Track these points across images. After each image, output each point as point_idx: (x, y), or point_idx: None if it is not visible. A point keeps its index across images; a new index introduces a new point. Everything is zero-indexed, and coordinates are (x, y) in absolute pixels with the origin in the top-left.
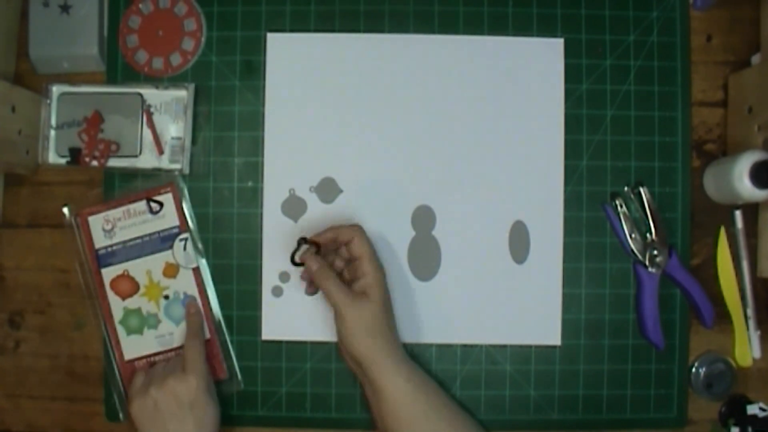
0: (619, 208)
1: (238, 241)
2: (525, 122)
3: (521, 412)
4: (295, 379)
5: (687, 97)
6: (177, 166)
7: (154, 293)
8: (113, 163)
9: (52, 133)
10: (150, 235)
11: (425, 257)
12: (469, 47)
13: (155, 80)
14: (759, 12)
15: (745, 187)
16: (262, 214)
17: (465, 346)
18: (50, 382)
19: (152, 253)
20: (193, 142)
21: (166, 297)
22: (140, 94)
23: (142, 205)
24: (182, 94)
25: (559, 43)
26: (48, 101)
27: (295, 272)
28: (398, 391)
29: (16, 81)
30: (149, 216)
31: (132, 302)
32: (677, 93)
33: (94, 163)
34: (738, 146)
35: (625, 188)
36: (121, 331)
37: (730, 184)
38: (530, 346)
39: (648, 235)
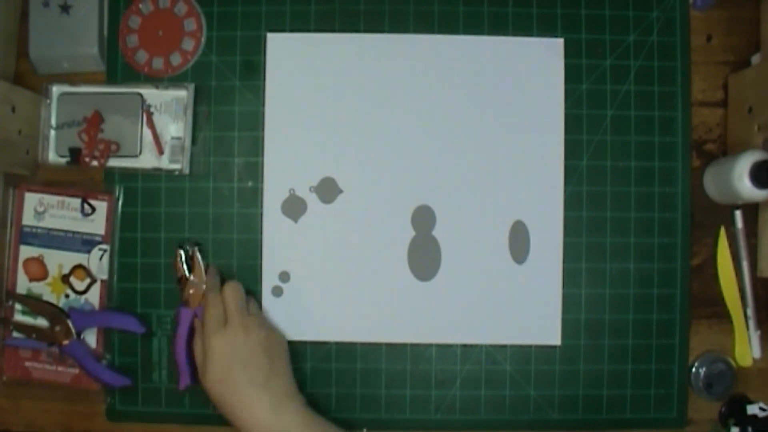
0: None
1: (238, 241)
2: (525, 122)
3: (521, 412)
4: (295, 379)
5: (687, 97)
6: (177, 166)
7: (58, 288)
8: (113, 163)
9: (52, 133)
10: (74, 233)
11: (425, 257)
12: (469, 47)
13: (155, 80)
14: (759, 12)
15: (745, 187)
16: (262, 214)
17: (465, 346)
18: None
19: (69, 250)
20: (193, 142)
21: (67, 296)
22: (140, 94)
23: (77, 202)
24: (182, 94)
25: (559, 43)
26: (48, 101)
27: (296, 272)
28: None
29: (16, 81)
30: (79, 215)
31: (36, 287)
32: (677, 93)
33: (94, 163)
34: (738, 146)
35: None
36: (17, 306)
37: (730, 184)
38: (530, 346)
39: None
